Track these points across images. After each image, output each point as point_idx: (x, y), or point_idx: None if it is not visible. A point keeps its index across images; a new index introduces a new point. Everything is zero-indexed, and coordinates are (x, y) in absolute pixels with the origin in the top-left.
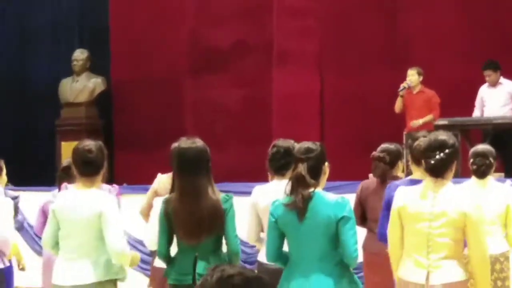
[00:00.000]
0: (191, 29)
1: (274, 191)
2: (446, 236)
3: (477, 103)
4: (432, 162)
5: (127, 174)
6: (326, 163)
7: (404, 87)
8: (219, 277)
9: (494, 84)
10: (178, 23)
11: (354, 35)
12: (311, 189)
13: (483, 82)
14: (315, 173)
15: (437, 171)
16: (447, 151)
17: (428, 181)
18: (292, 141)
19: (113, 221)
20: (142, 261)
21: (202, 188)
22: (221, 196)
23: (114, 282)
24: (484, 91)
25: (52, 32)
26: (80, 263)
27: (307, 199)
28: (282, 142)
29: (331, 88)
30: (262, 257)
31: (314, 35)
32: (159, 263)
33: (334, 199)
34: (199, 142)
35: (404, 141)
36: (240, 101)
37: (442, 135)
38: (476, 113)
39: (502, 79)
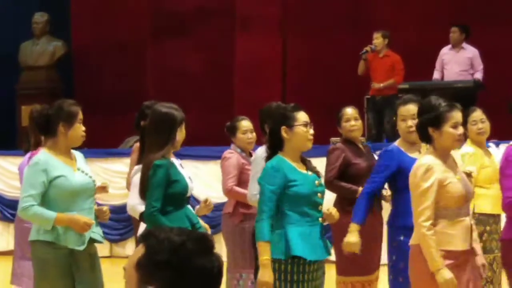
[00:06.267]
0: None
1: None
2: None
3: (438, 64)
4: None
5: (88, 138)
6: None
7: (367, 51)
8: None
9: (455, 43)
10: None
11: None
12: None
13: (446, 44)
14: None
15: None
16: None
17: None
18: None
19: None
20: (106, 226)
21: None
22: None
23: (50, 244)
24: (445, 53)
25: None
26: None
27: None
28: None
29: (293, 52)
30: None
31: None
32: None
33: None
34: None
35: (365, 105)
36: (202, 66)
37: (427, 99)
38: (435, 76)
39: (465, 44)
